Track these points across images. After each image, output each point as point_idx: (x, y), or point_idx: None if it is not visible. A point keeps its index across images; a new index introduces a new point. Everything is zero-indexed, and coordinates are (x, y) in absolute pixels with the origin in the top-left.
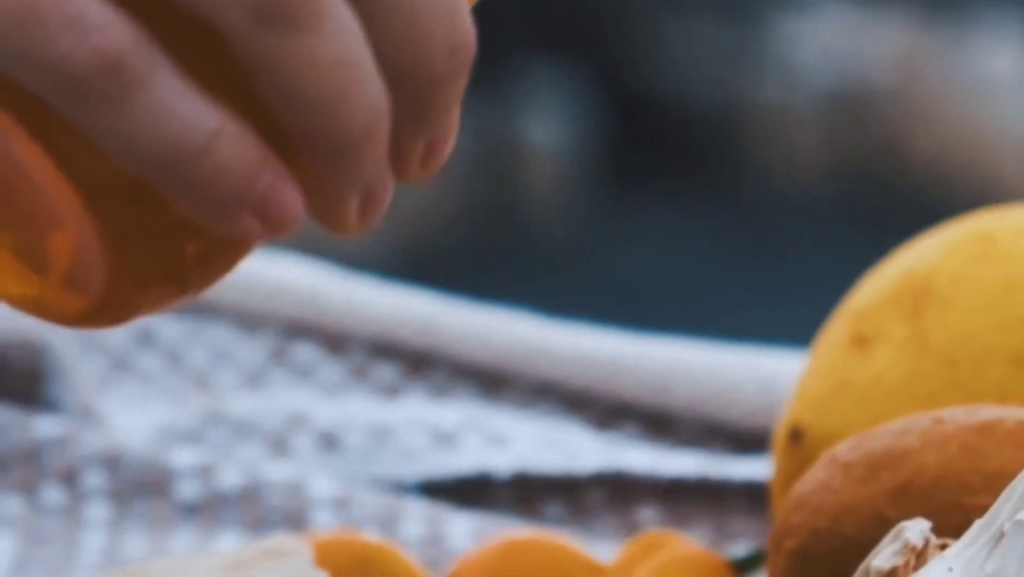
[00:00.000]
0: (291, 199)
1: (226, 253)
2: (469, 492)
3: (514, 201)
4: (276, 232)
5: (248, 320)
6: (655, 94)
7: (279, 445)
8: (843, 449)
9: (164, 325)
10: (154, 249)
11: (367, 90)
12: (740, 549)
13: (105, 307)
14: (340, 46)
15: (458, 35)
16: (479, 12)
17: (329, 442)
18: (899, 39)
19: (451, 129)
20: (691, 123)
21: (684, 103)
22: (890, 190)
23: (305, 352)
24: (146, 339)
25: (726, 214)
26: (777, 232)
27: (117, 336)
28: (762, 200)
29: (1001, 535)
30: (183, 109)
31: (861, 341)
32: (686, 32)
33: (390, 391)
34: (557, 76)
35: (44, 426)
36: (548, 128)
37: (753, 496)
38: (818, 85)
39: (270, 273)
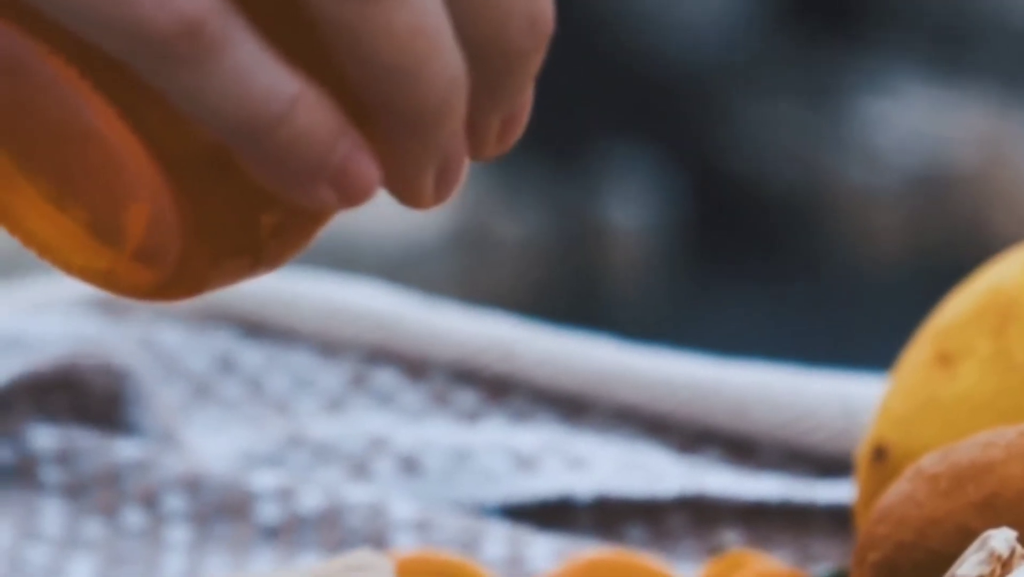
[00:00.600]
0: (368, 170)
1: (301, 226)
2: (550, 515)
3: (596, 281)
4: (351, 203)
5: (329, 346)
6: (737, 175)
7: (359, 468)
8: (928, 462)
9: (245, 352)
10: (229, 221)
11: (445, 59)
12: (823, 569)
13: (177, 280)
14: (419, 14)
15: (537, 8)
16: (562, 94)
17: (409, 465)
18: (980, 121)
19: (526, 106)
20: (773, 204)
21: (766, 184)
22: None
23: (385, 378)
24: (227, 366)
25: (808, 295)
26: (859, 313)
27: (198, 363)
28: (844, 281)
29: None
30: (263, 75)
31: (946, 359)
32: (768, 113)
33: (470, 416)
34: (639, 156)
35: (125, 449)
36: (630, 208)
37: (836, 519)
38: (900, 166)
39: (351, 299)
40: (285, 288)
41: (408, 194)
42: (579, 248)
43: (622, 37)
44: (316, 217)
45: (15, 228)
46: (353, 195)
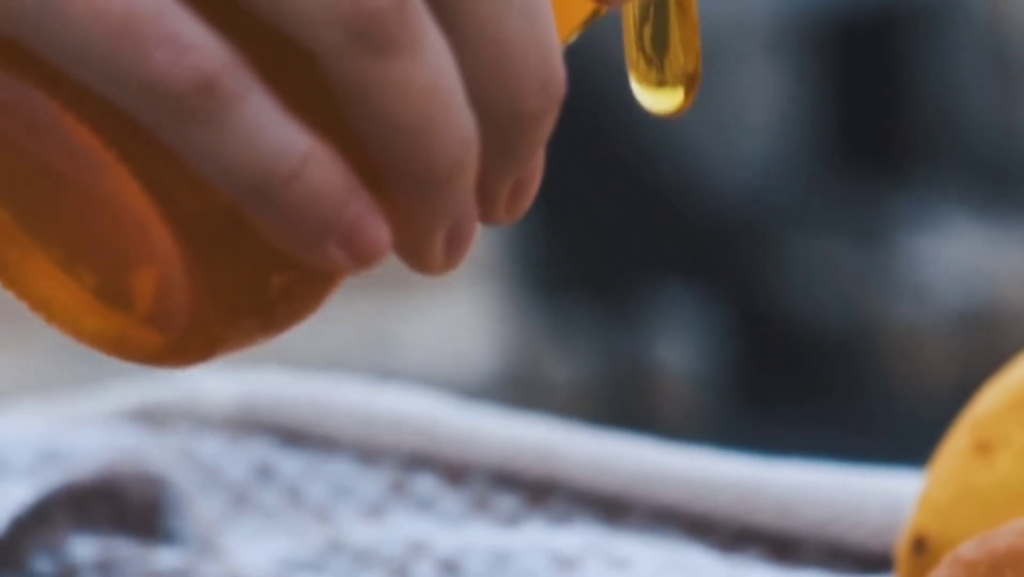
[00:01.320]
0: (378, 230)
1: (312, 287)
2: None
3: (646, 423)
4: (361, 264)
5: (368, 453)
6: (786, 315)
7: (400, 572)
8: (966, 549)
9: (284, 460)
10: (240, 281)
11: (458, 120)
12: None
13: (187, 343)
14: (433, 73)
15: (549, 71)
16: (612, 235)
17: (450, 568)
18: None
19: (538, 170)
20: (822, 344)
21: (815, 324)
22: None
23: (425, 484)
24: (266, 474)
25: (859, 435)
26: (911, 453)
27: (237, 472)
28: (895, 420)
29: None
30: (275, 131)
31: (984, 448)
32: (816, 252)
33: (511, 520)
34: (688, 298)
35: (165, 558)
36: (679, 350)
37: None
38: (949, 303)
39: (389, 405)
40: (323, 395)
41: (417, 257)
42: (629, 390)
43: (671, 178)
44: (327, 278)
45: (23, 292)
46: (363, 256)
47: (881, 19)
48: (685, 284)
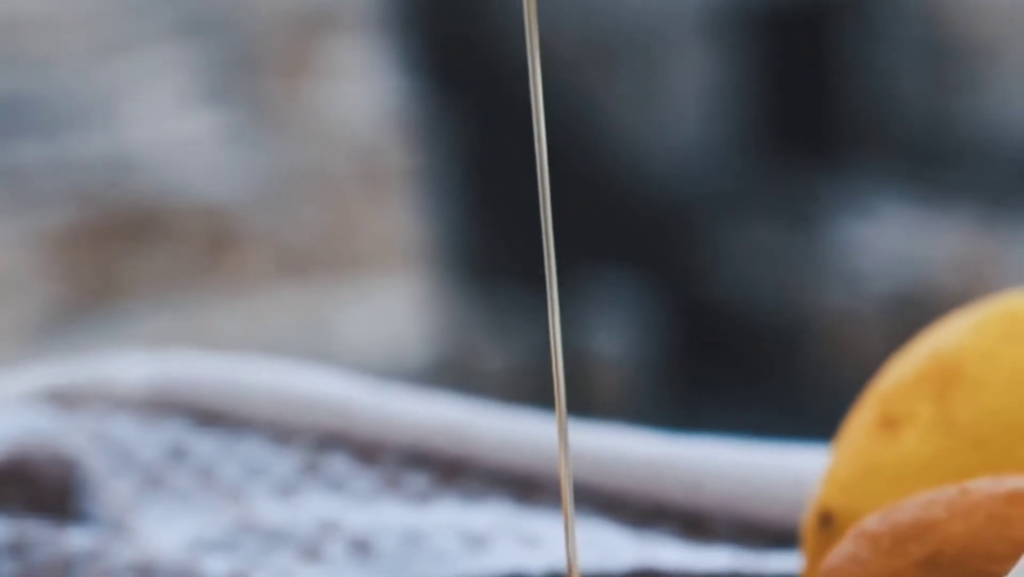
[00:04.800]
0: None
1: None
2: None
3: (582, 409)
4: None
5: (280, 433)
6: (719, 301)
7: (311, 552)
8: (871, 522)
9: (197, 441)
10: None
11: None
12: None
13: None
14: None
15: None
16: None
17: (361, 547)
18: (960, 241)
19: None
20: (755, 329)
21: (748, 309)
22: None
23: (338, 463)
24: (179, 455)
25: (793, 418)
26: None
27: (149, 453)
28: (828, 404)
29: None
30: None
31: (889, 423)
32: (750, 239)
33: (423, 499)
34: (623, 284)
35: (77, 539)
36: (615, 336)
37: None
38: (881, 288)
39: (302, 386)
40: (237, 376)
41: None
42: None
43: (605, 165)
44: None
45: None
46: None
47: (813, 5)
48: (620, 270)
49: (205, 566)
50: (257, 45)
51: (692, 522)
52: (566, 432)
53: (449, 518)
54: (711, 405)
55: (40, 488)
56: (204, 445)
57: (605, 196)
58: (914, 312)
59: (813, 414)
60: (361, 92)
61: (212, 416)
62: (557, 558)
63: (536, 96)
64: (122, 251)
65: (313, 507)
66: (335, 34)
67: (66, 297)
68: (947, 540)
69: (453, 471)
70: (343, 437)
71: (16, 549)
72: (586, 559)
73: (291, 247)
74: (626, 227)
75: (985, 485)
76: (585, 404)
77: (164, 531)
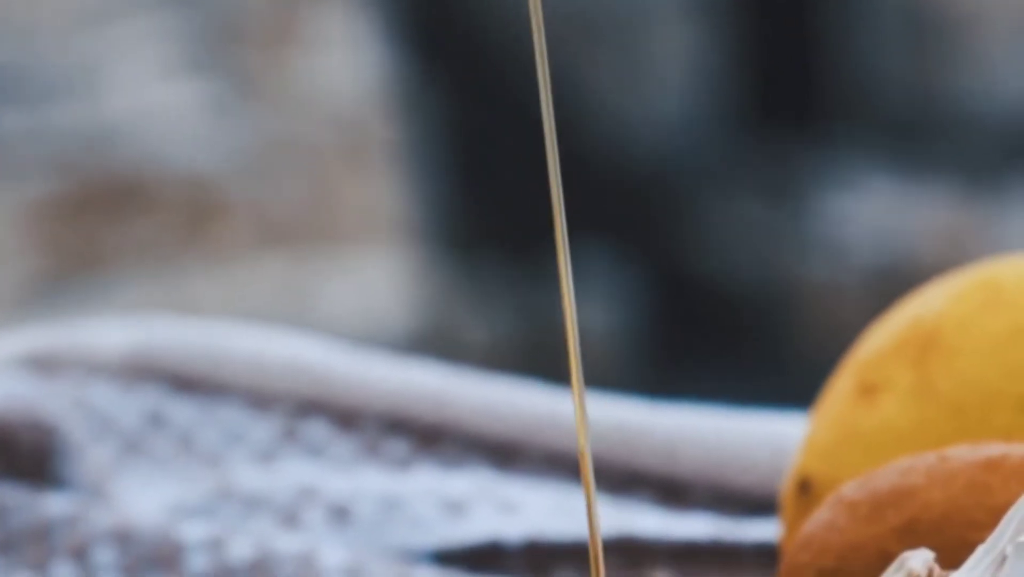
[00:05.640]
0: None
1: None
2: (481, 560)
3: (563, 381)
4: None
5: (259, 399)
6: (701, 273)
7: (289, 518)
8: (849, 489)
9: (176, 407)
10: None
11: None
12: None
13: None
14: None
15: None
16: (525, 194)
17: (340, 514)
18: (942, 213)
19: None
20: (737, 301)
21: (730, 282)
22: None
23: (316, 429)
24: (157, 421)
25: (775, 391)
26: None
27: (128, 419)
28: (811, 377)
29: (1003, 558)
30: None
31: (868, 390)
32: (731, 211)
33: (402, 465)
34: (604, 256)
35: (54, 504)
36: (596, 308)
37: (766, 557)
38: (863, 261)
39: (280, 352)
40: (215, 342)
41: None
42: (545, 348)
43: (585, 138)
44: None
45: None
46: None
47: None
48: (601, 242)
49: (183, 532)
50: (240, 15)
51: (670, 489)
52: (586, 417)
53: (428, 485)
54: (692, 375)
55: (18, 453)
56: (182, 411)
57: (588, 169)
58: (895, 284)
59: (793, 383)
60: (344, 63)
61: (190, 382)
62: (535, 525)
63: (546, 96)
64: (103, 221)
65: (292, 473)
66: (319, 5)
67: (47, 267)
68: (925, 507)
69: (432, 438)
70: (322, 403)
71: None
72: (565, 526)
73: (273, 218)
74: (609, 199)
75: (964, 452)
76: (565, 374)
77: (142, 497)
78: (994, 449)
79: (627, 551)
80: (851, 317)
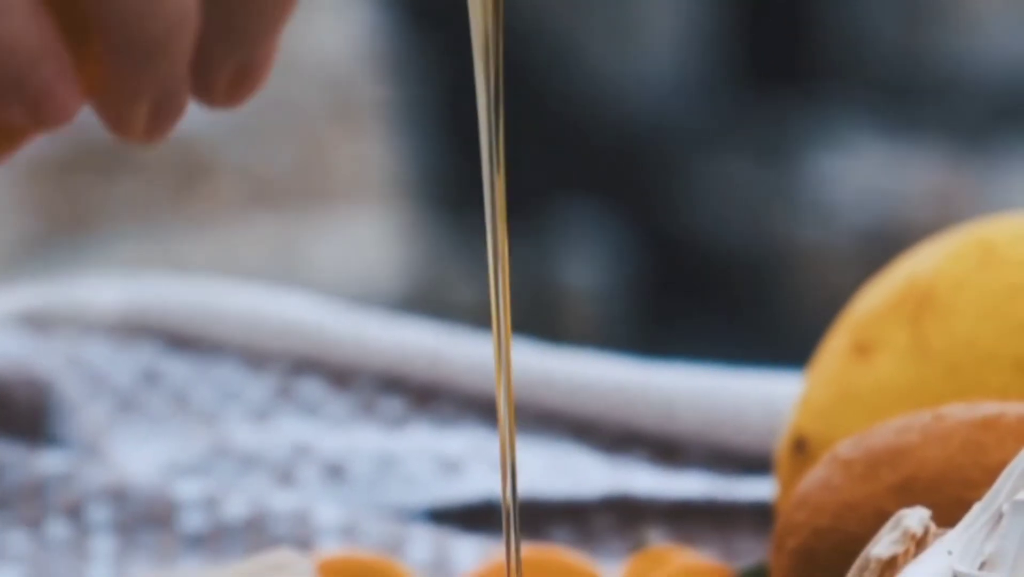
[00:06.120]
0: (66, 96)
1: None
2: (475, 518)
3: (553, 341)
4: (44, 126)
5: (254, 357)
6: (691, 233)
7: (285, 476)
8: (844, 447)
9: (171, 365)
10: None
11: None
12: (746, 562)
13: None
14: None
15: None
16: (515, 154)
17: (335, 472)
18: (933, 175)
19: (268, 58)
20: (727, 261)
21: (720, 242)
22: None
23: (312, 388)
24: (152, 379)
25: (766, 351)
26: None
27: (123, 377)
28: (800, 338)
29: (1000, 516)
30: None
31: (863, 349)
32: (721, 171)
33: (397, 423)
34: (593, 218)
35: (49, 461)
36: (586, 269)
37: (760, 516)
38: (854, 222)
39: (275, 310)
40: (210, 301)
41: (117, 123)
42: (535, 309)
43: (575, 98)
44: (10, 136)
45: None
46: (46, 119)
47: None
48: (591, 202)
49: (178, 490)
50: None
51: (665, 448)
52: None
53: (422, 443)
54: (684, 335)
55: (13, 411)
56: (177, 369)
57: (578, 129)
58: (886, 244)
59: (782, 344)
60: (335, 23)
61: (185, 340)
62: (530, 482)
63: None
64: (94, 182)
65: (287, 431)
66: None
67: (37, 229)
68: (921, 465)
69: (427, 396)
70: (317, 361)
71: None
72: (560, 484)
73: (264, 178)
74: (599, 159)
75: (959, 411)
76: (557, 334)
77: (137, 454)
78: (990, 408)
79: (622, 509)
80: (842, 277)
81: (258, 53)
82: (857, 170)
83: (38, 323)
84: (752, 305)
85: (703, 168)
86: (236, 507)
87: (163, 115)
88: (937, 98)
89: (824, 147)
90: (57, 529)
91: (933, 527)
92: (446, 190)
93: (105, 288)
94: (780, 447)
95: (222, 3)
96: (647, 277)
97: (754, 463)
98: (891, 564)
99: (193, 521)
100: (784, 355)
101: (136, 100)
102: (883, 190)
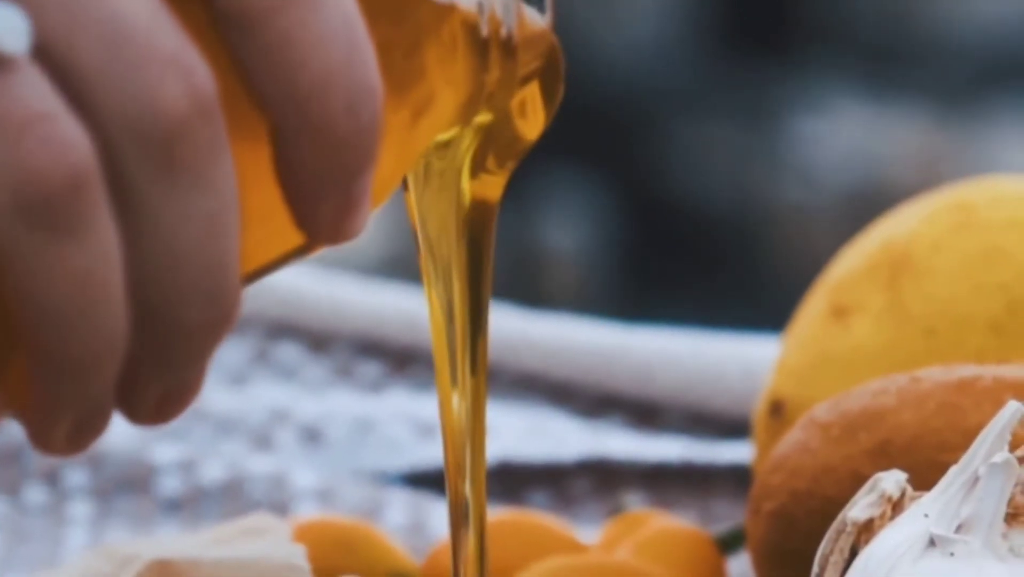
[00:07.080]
0: None
1: None
2: None
3: (535, 305)
4: None
5: None
6: (673, 196)
7: (262, 440)
8: (820, 410)
9: None
10: None
11: (107, 314)
12: (723, 526)
13: None
14: (92, 261)
15: (218, 288)
16: None
17: (312, 436)
18: (916, 138)
19: (196, 382)
20: (710, 224)
21: (702, 205)
22: None
23: (289, 352)
24: None
25: (748, 314)
26: None
27: None
28: (782, 301)
29: (976, 479)
30: None
31: (840, 312)
32: (704, 134)
33: (374, 387)
34: (574, 181)
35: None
36: (566, 232)
37: (738, 480)
38: (836, 185)
39: None
40: None
41: (38, 436)
42: (517, 272)
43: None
44: None
45: None
46: None
47: None
48: (572, 165)
49: (155, 454)
50: None
51: (643, 412)
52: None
53: (400, 407)
54: (665, 298)
55: None
56: None
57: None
58: (868, 207)
59: (766, 306)
60: None
61: None
62: (508, 446)
63: None
64: None
65: (264, 395)
66: None
67: None
68: (897, 428)
69: (404, 360)
70: (294, 326)
71: None
72: (538, 448)
73: None
74: (581, 123)
75: (936, 374)
76: (537, 296)
77: (114, 418)
78: (966, 371)
79: (600, 473)
80: (823, 240)
81: (187, 376)
82: (840, 133)
83: None
84: (735, 268)
85: (685, 131)
86: (213, 471)
87: (86, 431)
88: (920, 61)
89: (807, 110)
90: (35, 494)
91: (910, 490)
92: None
93: None
94: (757, 410)
95: (152, 327)
96: (628, 240)
97: (732, 427)
98: (867, 527)
99: (170, 486)
100: (767, 318)
101: (57, 419)
102: (866, 153)
